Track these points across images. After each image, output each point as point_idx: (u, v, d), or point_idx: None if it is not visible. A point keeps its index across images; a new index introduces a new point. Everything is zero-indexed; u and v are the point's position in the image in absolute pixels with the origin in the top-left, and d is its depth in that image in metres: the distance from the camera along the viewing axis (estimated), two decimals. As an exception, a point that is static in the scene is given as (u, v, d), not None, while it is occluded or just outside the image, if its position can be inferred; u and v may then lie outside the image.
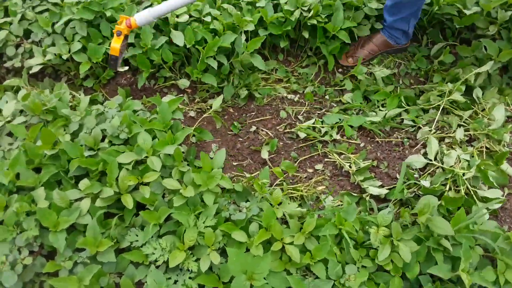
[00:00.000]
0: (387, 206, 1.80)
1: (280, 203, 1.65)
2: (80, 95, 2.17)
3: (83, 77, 2.28)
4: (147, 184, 1.65)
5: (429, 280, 1.54)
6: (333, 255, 1.50)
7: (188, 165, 1.81)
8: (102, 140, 1.79)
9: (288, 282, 1.45)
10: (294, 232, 1.55)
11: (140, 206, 1.66)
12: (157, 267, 1.50)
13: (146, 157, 1.68)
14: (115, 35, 1.83)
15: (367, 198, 1.83)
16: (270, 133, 2.11)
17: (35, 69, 2.18)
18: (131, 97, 2.18)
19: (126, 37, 1.89)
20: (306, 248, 1.54)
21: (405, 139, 2.10)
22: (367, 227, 1.62)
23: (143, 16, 1.79)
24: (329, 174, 1.97)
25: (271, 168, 1.94)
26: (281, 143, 2.08)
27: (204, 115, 2.09)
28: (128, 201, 1.58)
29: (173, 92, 2.27)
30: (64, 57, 2.15)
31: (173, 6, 1.80)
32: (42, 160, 1.75)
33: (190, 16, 2.15)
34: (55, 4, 2.25)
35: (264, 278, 1.40)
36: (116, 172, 1.63)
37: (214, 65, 2.03)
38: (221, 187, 1.71)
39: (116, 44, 1.84)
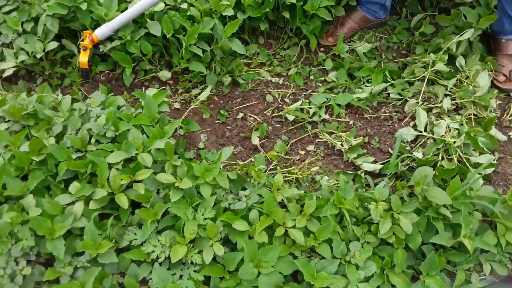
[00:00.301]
0: (382, 181, 1.80)
1: (279, 188, 1.63)
2: (58, 95, 2.10)
3: (60, 76, 2.21)
4: (140, 181, 1.61)
5: (432, 248, 1.56)
6: (336, 235, 1.50)
7: (179, 158, 1.77)
8: (89, 140, 1.74)
9: (295, 265, 1.45)
10: (295, 215, 1.54)
11: (135, 204, 1.62)
12: (160, 263, 1.47)
13: (136, 154, 1.64)
14: (81, 50, 2.05)
15: (362, 175, 1.84)
16: (258, 119, 2.09)
17: (8, 73, 2.09)
18: (112, 94, 2.11)
19: (94, 46, 2.12)
20: (309, 230, 1.53)
21: (393, 113, 2.10)
22: (366, 203, 1.62)
23: (102, 31, 2.00)
24: (322, 155, 1.96)
25: (265, 153, 1.92)
26: (270, 128, 2.06)
27: (191, 106, 2.04)
28: (123, 201, 1.54)
29: (155, 85, 2.21)
30: (38, 56, 2.06)
31: (127, 17, 1.95)
32: (29, 167, 1.68)
33: (166, 4, 2.08)
34: (24, 2, 2.15)
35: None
36: (106, 173, 1.58)
37: (199, 52, 1.98)
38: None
39: (84, 58, 2.06)
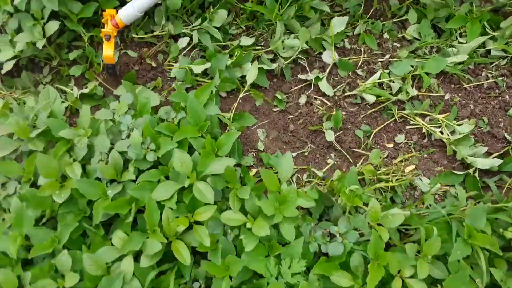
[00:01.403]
0: (500, 179, 1.40)
1: (378, 222, 1.24)
2: (72, 89, 1.68)
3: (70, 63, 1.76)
4: (201, 223, 1.23)
5: None
6: (472, 284, 1.13)
7: (241, 179, 1.38)
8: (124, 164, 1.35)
9: (420, 330, 1.11)
10: (411, 259, 1.16)
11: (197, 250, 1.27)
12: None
13: (190, 184, 1.25)
14: (104, 40, 1.54)
15: (476, 174, 1.42)
16: (326, 101, 1.64)
17: (8, 67, 1.66)
18: (140, 86, 1.67)
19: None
20: (432, 278, 1.16)
21: (499, 78, 1.62)
22: (500, 228, 1.22)
23: (127, 12, 1.53)
24: (416, 148, 1.54)
25: (357, 168, 1.49)
26: (344, 113, 1.62)
27: (241, 95, 1.59)
28: (184, 254, 1.18)
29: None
30: (40, 45, 1.61)
31: None
32: (54, 207, 1.32)
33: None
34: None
35: None
36: (157, 215, 1.21)
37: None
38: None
39: (109, 51, 1.54)
